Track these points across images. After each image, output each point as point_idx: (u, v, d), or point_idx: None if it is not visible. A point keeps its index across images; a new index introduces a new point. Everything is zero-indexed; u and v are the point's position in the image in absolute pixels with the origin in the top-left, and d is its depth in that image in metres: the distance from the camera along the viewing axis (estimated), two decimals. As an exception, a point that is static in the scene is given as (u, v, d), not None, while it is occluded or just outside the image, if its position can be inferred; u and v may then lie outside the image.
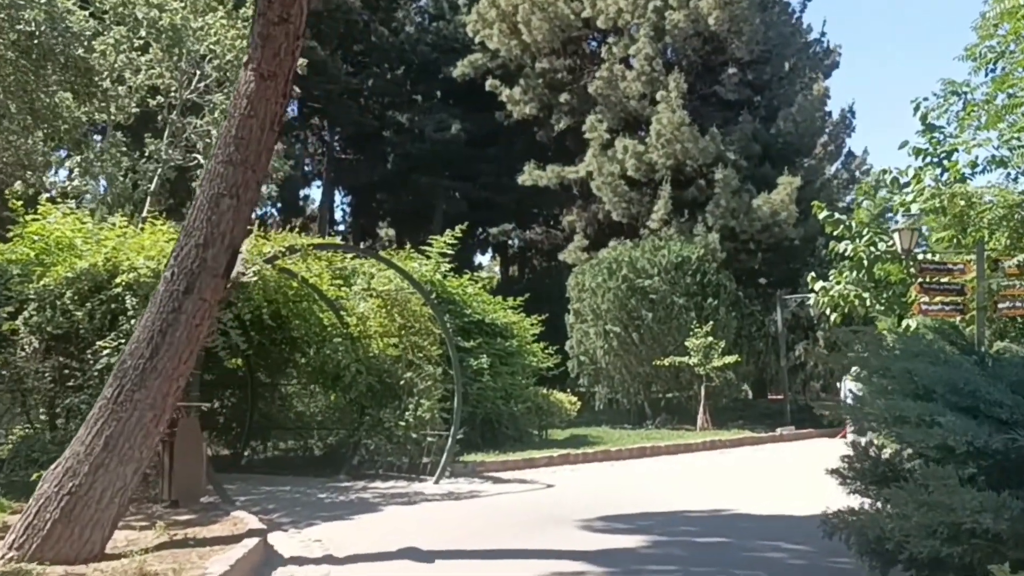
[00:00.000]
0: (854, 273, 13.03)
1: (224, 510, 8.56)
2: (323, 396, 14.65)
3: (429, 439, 12.73)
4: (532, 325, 17.40)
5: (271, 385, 15.08)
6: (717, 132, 22.70)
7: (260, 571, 6.48)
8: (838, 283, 13.36)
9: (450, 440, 12.39)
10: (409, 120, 29.69)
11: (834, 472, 6.15)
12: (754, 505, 9.67)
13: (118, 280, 10.31)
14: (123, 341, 9.24)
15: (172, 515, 8.28)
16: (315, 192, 37.20)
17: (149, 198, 18.08)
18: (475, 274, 18.51)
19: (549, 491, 11.40)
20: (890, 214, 13.40)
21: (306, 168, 36.69)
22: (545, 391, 17.83)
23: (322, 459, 14.07)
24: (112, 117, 17.87)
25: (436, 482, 12.05)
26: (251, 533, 7.12)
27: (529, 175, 25.73)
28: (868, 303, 13.12)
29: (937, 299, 11.41)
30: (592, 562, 6.65)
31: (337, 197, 36.85)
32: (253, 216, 7.28)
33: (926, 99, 12.46)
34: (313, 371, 13.81)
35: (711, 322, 20.41)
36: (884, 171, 13.93)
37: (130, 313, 10.05)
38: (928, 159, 12.67)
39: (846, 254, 13.15)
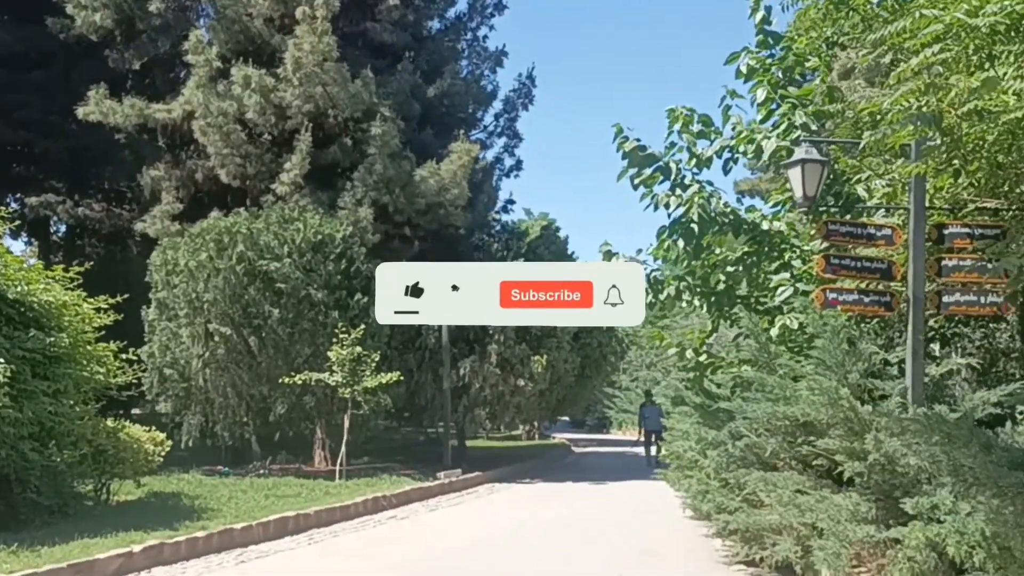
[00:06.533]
0: (680, 244, 8.17)
1: None
2: None
3: None
4: (100, 313, 10.18)
5: None
6: (372, 77, 17.03)
7: None
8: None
9: None
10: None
11: None
12: None
13: None
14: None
15: None
16: None
17: None
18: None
19: None
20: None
21: None
22: (113, 422, 10.71)
23: None
24: None
25: None
26: None
27: (96, 108, 17.53)
28: (688, 295, 8.42)
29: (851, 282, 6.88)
30: None
31: None
32: None
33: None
34: None
35: (361, 326, 14.57)
36: (674, 112, 9.32)
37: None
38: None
39: (672, 215, 8.29)
